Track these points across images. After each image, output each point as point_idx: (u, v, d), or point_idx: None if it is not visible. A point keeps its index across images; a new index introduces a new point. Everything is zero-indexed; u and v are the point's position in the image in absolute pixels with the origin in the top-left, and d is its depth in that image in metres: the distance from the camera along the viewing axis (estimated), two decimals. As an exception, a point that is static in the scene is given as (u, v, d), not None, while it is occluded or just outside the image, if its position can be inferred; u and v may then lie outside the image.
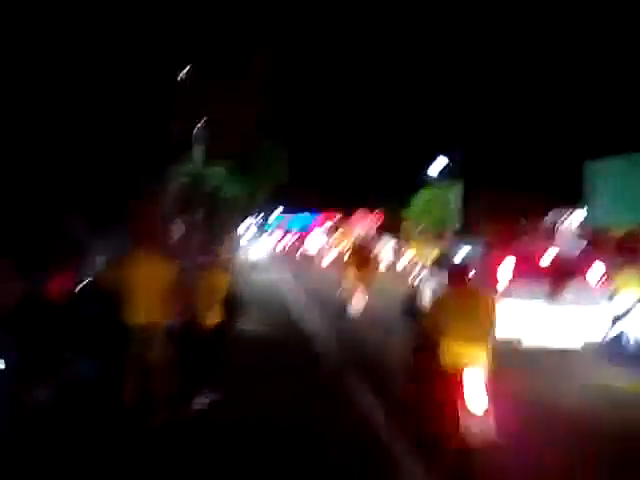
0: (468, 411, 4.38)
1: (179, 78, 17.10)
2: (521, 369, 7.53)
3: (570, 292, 8.17)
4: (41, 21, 11.47)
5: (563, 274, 8.28)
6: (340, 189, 44.27)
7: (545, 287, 8.08)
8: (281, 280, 19.38)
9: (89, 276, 10.91)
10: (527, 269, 8.30)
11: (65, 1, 12.29)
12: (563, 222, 14.72)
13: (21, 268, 6.32)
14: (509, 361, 6.52)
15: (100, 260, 10.58)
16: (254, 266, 22.93)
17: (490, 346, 4.64)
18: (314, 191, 47.28)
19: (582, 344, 8.43)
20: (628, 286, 8.91)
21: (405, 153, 35.84)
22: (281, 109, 22.81)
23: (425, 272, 10.86)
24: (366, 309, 11.47)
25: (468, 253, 10.08)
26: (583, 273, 8.64)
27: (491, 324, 4.74)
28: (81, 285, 6.90)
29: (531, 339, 8.07)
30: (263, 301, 13.04)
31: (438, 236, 23.90)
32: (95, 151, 12.77)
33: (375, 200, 39.41)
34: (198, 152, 20.45)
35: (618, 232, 11.47)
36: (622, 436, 5.73)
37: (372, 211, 38.49)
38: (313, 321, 11.43)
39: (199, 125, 20.02)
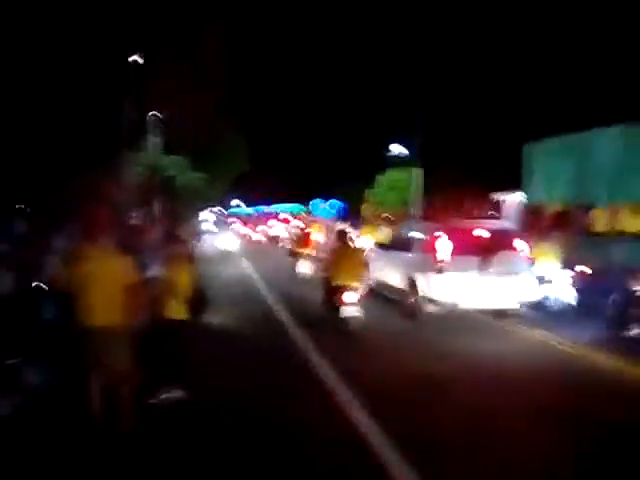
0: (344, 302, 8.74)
1: (131, 62, 16.29)
2: (459, 329, 9.43)
3: (498, 263, 9.58)
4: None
5: (492, 248, 9.69)
6: (301, 178, 43.96)
7: (476, 260, 9.54)
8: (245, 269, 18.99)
9: (39, 277, 10.36)
10: (461, 246, 9.70)
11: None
12: (505, 201, 15.70)
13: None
14: (448, 323, 9.51)
15: (51, 260, 10.01)
16: (220, 256, 21.77)
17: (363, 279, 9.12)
18: (274, 181, 46.80)
19: (510, 306, 9.80)
20: (545, 257, 10.69)
21: (363, 139, 35.71)
22: (240, 96, 22.23)
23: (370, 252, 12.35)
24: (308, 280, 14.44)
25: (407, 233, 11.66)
26: (510, 246, 10.06)
27: (363, 266, 9.29)
28: (33, 285, 6.42)
29: (466, 303, 9.57)
30: (229, 293, 12.66)
31: (393, 219, 24.30)
32: (41, 140, 12.10)
33: (335, 187, 39.38)
34: (154, 141, 19.74)
35: (550, 209, 12.60)
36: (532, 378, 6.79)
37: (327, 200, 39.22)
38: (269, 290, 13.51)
39: (153, 113, 19.27)
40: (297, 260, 15.61)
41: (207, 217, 37.26)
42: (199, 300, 6.37)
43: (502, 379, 6.75)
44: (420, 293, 10.02)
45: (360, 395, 5.95)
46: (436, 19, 26.84)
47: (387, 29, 29.31)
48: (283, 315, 10.58)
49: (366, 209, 32.92)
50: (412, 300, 10.23)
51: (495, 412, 5.63)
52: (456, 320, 9.77)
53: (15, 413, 4.90)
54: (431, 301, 9.75)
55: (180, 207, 21.42)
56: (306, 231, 18.29)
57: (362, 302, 9.03)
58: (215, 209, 42.93)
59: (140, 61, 17.24)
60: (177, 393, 5.73)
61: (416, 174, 29.06)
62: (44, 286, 7.52)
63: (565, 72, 24.44)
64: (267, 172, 43.35)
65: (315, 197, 41.31)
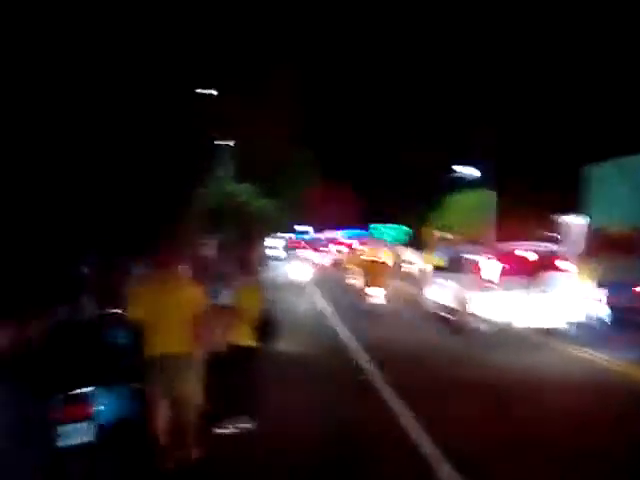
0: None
1: (207, 93, 16.95)
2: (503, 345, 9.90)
3: (544, 283, 10.23)
4: (70, 41, 11.48)
5: (539, 269, 10.40)
6: (368, 202, 43.79)
7: (523, 280, 10.21)
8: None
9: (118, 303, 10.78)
10: (509, 267, 10.49)
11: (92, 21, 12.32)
12: (568, 224, 15.53)
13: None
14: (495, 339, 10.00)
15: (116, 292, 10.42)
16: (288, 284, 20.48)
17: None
18: (340, 206, 46.90)
19: (560, 325, 10.32)
20: (588, 277, 11.05)
21: (426, 161, 35.06)
22: (311, 123, 22.58)
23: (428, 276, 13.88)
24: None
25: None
26: (556, 267, 10.65)
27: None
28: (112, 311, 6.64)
29: (514, 321, 10.22)
30: (297, 320, 12.65)
31: (450, 239, 23.92)
32: (118, 175, 12.71)
33: (398, 211, 38.93)
34: (227, 171, 20.38)
35: (614, 232, 12.83)
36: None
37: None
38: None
39: (228, 143, 19.93)
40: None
41: (275, 243, 37.75)
42: (268, 327, 6.36)
43: (548, 392, 7.08)
44: (469, 311, 10.65)
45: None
46: (501, 40, 26.17)
47: (452, 53, 28.95)
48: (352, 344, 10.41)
49: (425, 233, 32.17)
50: (460, 317, 10.99)
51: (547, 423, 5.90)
52: (503, 337, 10.22)
53: (87, 443, 4.94)
54: (481, 319, 10.40)
55: (252, 234, 21.91)
56: (380, 261, 15.98)
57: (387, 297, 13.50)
58: (284, 235, 43.56)
59: (214, 93, 17.93)
60: (245, 423, 5.68)
61: (489, 196, 28.21)
62: (121, 312, 7.81)
63: (626, 94, 23.32)
64: (335, 197, 43.57)
65: (378, 221, 41.02)
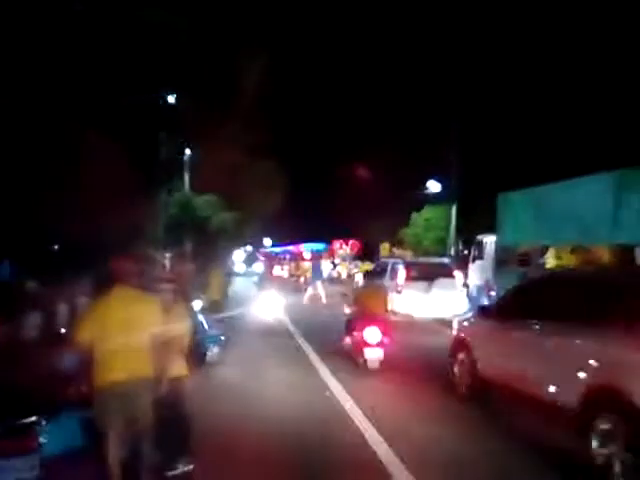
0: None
1: (167, 101, 16.30)
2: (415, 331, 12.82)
3: (437, 285, 14.34)
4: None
5: (434, 275, 14.65)
6: (332, 217, 43.63)
7: (424, 283, 14.34)
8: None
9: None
10: (412, 274, 14.66)
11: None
12: (486, 242, 17.92)
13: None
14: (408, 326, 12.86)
15: (63, 309, 9.68)
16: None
17: None
18: (305, 220, 46.63)
19: (445, 315, 12.88)
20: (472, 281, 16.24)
21: (398, 178, 35.23)
22: (277, 134, 22.11)
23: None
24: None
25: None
26: (450, 274, 15.01)
27: None
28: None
29: (416, 314, 14.08)
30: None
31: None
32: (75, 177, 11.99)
33: (367, 226, 38.93)
34: (187, 180, 19.67)
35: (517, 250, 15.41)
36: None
37: (347, 241, 39.31)
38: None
39: (188, 153, 19.25)
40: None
41: (238, 257, 37.23)
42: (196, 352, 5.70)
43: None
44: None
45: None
46: (468, 53, 26.47)
47: (423, 64, 29.15)
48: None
49: (383, 249, 32.75)
50: None
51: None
52: (409, 325, 13.30)
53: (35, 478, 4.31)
54: (394, 313, 13.04)
55: (211, 247, 21.21)
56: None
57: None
58: (246, 248, 42.95)
59: (172, 100, 17.29)
60: (187, 464, 4.92)
61: (449, 212, 28.46)
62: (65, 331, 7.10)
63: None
64: (300, 211, 43.24)
65: (341, 237, 41.08)
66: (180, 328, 5.05)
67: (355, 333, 9.12)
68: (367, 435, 5.83)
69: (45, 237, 14.71)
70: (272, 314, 14.50)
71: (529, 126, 24.68)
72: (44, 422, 4.52)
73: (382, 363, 8.73)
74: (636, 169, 11.43)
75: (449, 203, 28.45)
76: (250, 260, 42.17)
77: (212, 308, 12.06)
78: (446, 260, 16.63)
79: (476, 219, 26.76)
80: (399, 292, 14.25)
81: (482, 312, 7.57)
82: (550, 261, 13.86)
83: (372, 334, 8.74)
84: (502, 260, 14.98)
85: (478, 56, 25.44)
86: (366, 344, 8.75)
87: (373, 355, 8.75)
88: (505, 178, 22.10)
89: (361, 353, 8.82)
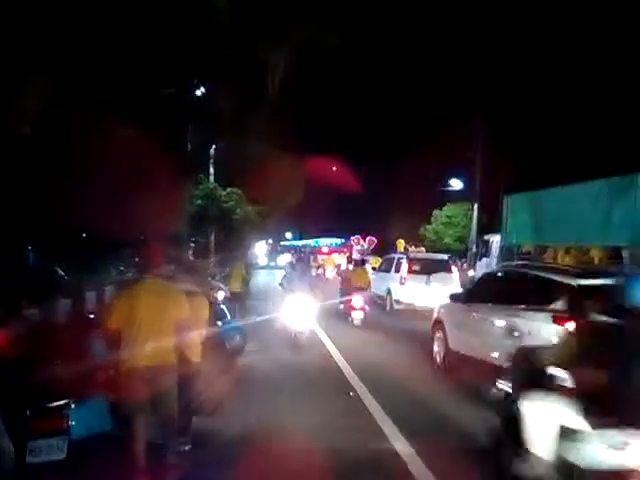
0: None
1: (196, 94, 16.43)
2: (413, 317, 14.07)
3: (436, 279, 15.30)
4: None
5: (433, 270, 15.74)
6: (354, 213, 43.65)
7: (424, 276, 15.43)
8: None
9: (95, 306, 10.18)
10: (415, 267, 15.88)
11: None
12: (492, 241, 20.30)
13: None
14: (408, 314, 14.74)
15: (90, 296, 9.87)
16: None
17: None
18: (327, 215, 46.69)
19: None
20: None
21: (420, 174, 35.07)
22: (303, 131, 22.09)
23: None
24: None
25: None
26: (448, 269, 16.15)
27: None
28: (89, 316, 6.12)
29: (418, 303, 14.87)
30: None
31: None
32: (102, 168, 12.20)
33: (390, 222, 38.91)
34: (213, 172, 19.85)
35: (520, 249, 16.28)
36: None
37: (364, 237, 39.63)
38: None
39: (215, 146, 19.41)
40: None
41: (260, 250, 37.36)
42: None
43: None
44: (392, 297, 15.87)
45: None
46: (487, 59, 26.19)
47: (445, 67, 28.92)
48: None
49: (399, 245, 32.63)
50: (385, 301, 16.26)
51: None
52: (412, 312, 14.67)
53: (64, 459, 4.40)
54: (398, 302, 15.47)
55: (234, 239, 21.41)
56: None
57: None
58: (268, 241, 43.15)
59: (200, 93, 17.44)
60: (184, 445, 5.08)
61: (471, 209, 28.27)
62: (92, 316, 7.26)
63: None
64: (322, 206, 43.28)
65: (360, 232, 41.36)
66: (199, 317, 5.20)
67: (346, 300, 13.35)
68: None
69: (72, 225, 15.04)
70: (302, 325, 10.73)
71: (548, 130, 24.54)
72: (73, 405, 4.64)
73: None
74: (623, 177, 12.42)
75: (471, 201, 28.27)
76: (272, 253, 42.16)
77: (233, 299, 12.19)
78: (445, 256, 17.92)
79: (497, 217, 26.52)
80: (402, 283, 15.63)
81: (454, 298, 9.02)
82: (548, 260, 14.47)
83: (357, 300, 12.96)
84: (506, 258, 15.76)
85: (503, 57, 25.22)
86: (353, 308, 12.97)
87: (358, 315, 12.94)
88: (526, 178, 22.01)
89: (349, 314, 13.05)
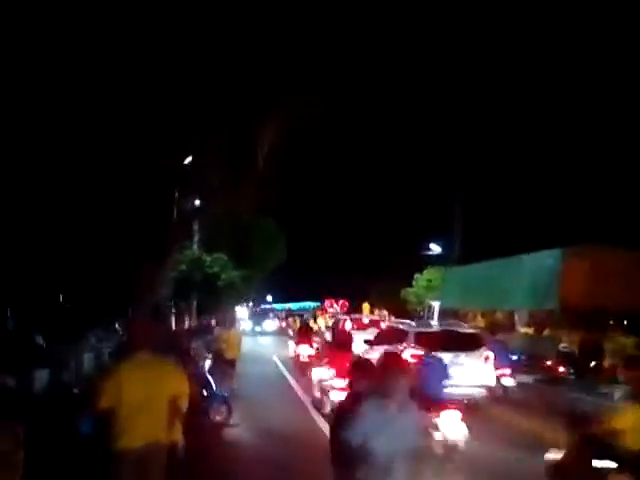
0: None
1: (179, 162, 16.75)
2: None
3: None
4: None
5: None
6: (332, 276, 43.96)
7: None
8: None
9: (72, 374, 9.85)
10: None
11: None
12: (433, 306, 23.60)
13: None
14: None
15: (88, 358, 9.59)
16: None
17: None
18: (308, 278, 46.90)
19: None
20: None
21: (398, 238, 35.74)
22: (281, 195, 22.49)
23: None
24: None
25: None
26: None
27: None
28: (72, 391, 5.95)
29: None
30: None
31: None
32: (86, 235, 12.21)
33: (367, 286, 39.31)
34: (197, 238, 19.96)
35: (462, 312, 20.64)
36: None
37: (337, 300, 40.16)
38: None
39: (198, 210, 19.62)
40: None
41: (242, 314, 36.80)
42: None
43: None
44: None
45: None
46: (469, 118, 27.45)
47: (424, 128, 30.08)
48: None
49: (365, 308, 33.70)
50: None
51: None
52: None
53: None
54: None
55: (217, 303, 21.29)
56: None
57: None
58: (249, 304, 42.75)
59: (189, 160, 17.77)
60: None
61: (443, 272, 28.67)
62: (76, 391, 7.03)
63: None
64: (302, 270, 43.52)
65: (335, 296, 41.92)
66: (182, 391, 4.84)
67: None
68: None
69: (53, 290, 14.83)
70: None
71: (525, 196, 25.74)
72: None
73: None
74: (517, 257, 16.35)
75: (450, 265, 28.68)
76: (256, 317, 41.20)
77: (227, 366, 11.91)
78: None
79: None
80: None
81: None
82: (469, 321, 19.14)
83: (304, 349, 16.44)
84: (443, 319, 18.51)
85: (480, 129, 26.60)
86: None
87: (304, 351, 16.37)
88: (503, 242, 22.73)
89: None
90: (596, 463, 4.49)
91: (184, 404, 4.73)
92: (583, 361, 12.30)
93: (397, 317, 26.46)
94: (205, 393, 8.84)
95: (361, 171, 37.96)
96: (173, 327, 17.75)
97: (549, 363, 12.68)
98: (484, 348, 11.41)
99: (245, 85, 16.56)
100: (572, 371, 11.44)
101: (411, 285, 35.46)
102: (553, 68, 23.77)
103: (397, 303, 34.78)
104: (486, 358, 11.05)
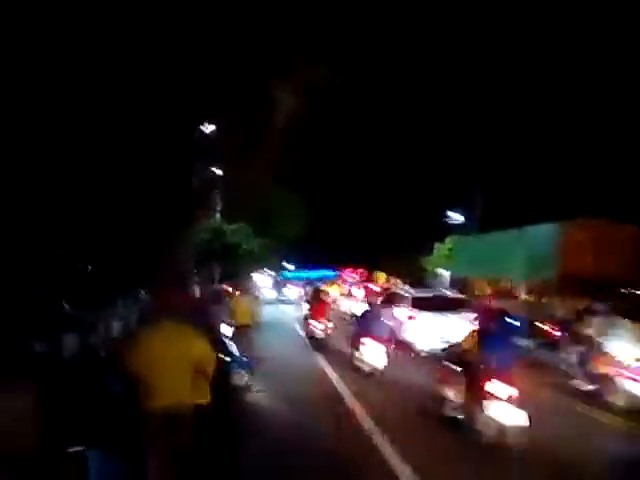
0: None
1: (202, 132, 16.82)
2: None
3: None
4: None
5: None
6: (354, 245, 43.98)
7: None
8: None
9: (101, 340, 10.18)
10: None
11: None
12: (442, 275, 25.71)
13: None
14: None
15: (117, 325, 9.87)
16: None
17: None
18: (327, 247, 47.03)
19: None
20: None
21: (419, 206, 35.51)
22: (302, 163, 22.55)
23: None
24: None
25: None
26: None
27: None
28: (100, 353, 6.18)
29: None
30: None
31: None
32: (113, 201, 12.43)
33: (388, 254, 39.35)
34: (218, 207, 20.13)
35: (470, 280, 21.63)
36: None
37: (356, 269, 40.69)
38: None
39: (220, 181, 19.75)
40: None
41: (263, 282, 36.94)
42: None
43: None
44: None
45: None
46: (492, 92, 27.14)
47: (446, 98, 29.73)
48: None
49: (380, 277, 34.50)
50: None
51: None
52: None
53: None
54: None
55: (240, 271, 21.57)
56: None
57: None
58: (270, 272, 43.03)
59: (209, 129, 17.81)
60: None
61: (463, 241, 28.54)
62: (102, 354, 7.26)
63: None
64: (323, 238, 43.57)
65: (354, 264, 42.07)
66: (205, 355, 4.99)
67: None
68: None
69: (80, 259, 15.18)
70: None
71: (542, 171, 25.59)
72: (91, 451, 4.66)
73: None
74: (519, 229, 17.61)
75: (471, 234, 28.55)
76: (278, 286, 41.30)
77: (240, 332, 12.10)
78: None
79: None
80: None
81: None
82: (477, 289, 20.38)
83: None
84: (453, 287, 20.34)
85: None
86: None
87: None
88: (523, 211, 22.68)
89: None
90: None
91: (210, 368, 4.90)
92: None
93: (412, 285, 27.27)
94: (226, 358, 9.03)
95: (384, 141, 37.67)
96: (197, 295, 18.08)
97: (546, 328, 13.22)
98: (468, 310, 13.10)
99: (264, 52, 16.43)
100: (566, 335, 11.69)
101: (432, 254, 35.42)
102: (555, 52, 23.95)
103: (418, 272, 34.85)
104: (474, 318, 11.30)
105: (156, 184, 12.36)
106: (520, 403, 6.36)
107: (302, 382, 10.37)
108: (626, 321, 9.89)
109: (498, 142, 26.97)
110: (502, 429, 6.31)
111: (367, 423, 7.61)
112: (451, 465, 6.08)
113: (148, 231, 12.21)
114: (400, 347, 12.51)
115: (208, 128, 17.01)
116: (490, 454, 6.16)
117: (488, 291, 19.62)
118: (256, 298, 16.19)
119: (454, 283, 21.44)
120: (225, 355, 9.05)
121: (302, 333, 17.39)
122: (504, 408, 6.35)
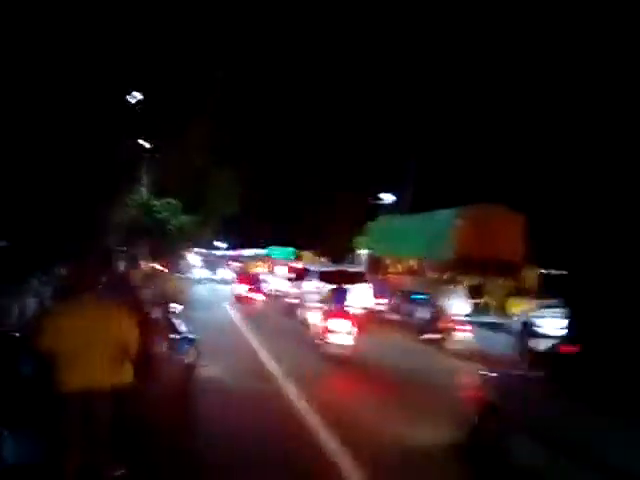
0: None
1: (129, 103, 16.06)
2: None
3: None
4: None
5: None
6: (284, 225, 43.90)
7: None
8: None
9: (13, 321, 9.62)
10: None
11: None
12: (360, 254, 27.75)
13: None
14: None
15: (32, 304, 9.35)
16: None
17: None
18: (261, 226, 46.60)
19: None
20: None
21: (351, 187, 35.87)
22: (235, 139, 22.10)
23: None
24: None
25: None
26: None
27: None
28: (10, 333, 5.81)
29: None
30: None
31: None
32: (32, 175, 11.69)
33: (317, 235, 39.59)
34: (146, 182, 19.40)
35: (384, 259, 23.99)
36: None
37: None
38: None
39: (148, 155, 19.00)
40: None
41: (195, 261, 36.23)
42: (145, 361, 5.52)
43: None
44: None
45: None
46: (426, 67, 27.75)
47: (378, 77, 30.09)
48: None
49: (306, 256, 39.22)
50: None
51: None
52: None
53: None
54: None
55: (168, 248, 20.96)
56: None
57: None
58: (201, 250, 42.23)
59: (136, 98, 17.05)
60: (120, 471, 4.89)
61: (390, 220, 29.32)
62: (17, 334, 6.87)
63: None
64: (254, 216, 43.18)
65: (279, 244, 42.18)
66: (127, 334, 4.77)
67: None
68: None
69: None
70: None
71: (478, 149, 26.34)
72: (5, 433, 4.44)
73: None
74: (431, 212, 19.92)
75: (402, 213, 29.26)
76: (211, 264, 40.31)
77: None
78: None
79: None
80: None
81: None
82: (390, 267, 22.76)
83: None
84: (369, 266, 22.43)
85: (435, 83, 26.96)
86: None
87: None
88: (455, 192, 23.46)
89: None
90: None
91: (132, 348, 4.70)
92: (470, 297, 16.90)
93: (334, 263, 30.99)
94: (176, 336, 8.96)
95: (317, 120, 37.54)
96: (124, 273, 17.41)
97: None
98: (366, 282, 16.79)
99: (198, 23, 15.87)
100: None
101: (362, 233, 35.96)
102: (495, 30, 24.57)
103: (348, 252, 35.37)
104: (369, 288, 16.40)
105: (77, 155, 11.68)
106: (354, 334, 10.74)
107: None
108: (462, 288, 15.91)
109: (433, 121, 27.65)
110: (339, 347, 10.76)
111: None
112: (304, 363, 10.67)
113: (69, 204, 11.57)
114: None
115: (135, 98, 16.24)
116: (331, 359, 10.74)
117: (399, 269, 22.65)
118: (185, 277, 15.95)
119: (370, 262, 23.63)
120: (174, 333, 8.93)
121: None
122: (339, 336, 10.74)
